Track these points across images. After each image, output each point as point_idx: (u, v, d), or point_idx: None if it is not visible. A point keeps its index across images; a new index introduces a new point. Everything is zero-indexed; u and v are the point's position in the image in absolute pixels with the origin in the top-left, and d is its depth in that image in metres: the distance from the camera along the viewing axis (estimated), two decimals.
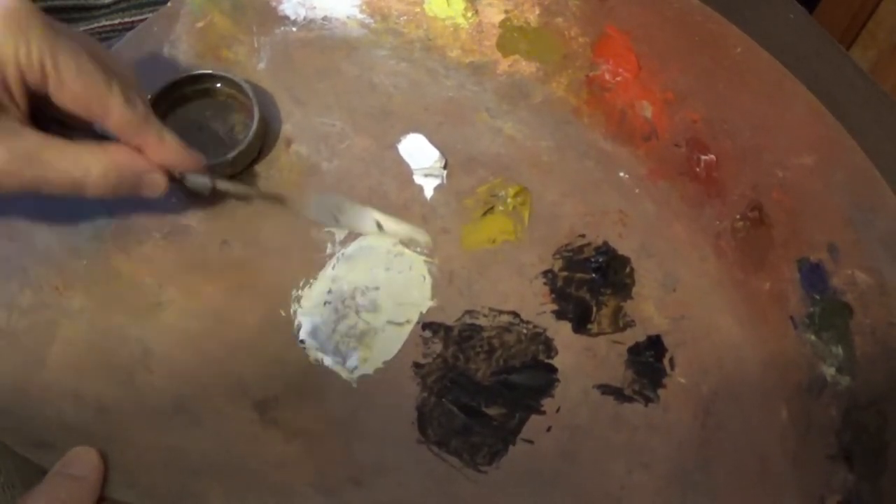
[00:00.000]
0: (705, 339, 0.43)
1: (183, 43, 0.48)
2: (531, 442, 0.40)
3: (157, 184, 0.38)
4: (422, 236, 0.42)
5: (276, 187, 0.45)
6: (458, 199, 0.46)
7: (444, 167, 0.47)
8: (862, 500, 0.37)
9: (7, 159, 0.33)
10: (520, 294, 0.44)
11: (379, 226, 0.41)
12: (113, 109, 0.35)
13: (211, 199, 0.44)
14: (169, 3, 0.49)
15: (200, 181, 0.40)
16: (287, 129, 0.48)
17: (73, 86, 0.34)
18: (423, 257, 0.44)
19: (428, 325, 0.42)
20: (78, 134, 0.36)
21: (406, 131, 0.48)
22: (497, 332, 0.42)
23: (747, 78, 0.45)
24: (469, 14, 0.51)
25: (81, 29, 0.56)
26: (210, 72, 0.46)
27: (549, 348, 0.42)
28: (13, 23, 0.32)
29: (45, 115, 0.36)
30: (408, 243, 0.41)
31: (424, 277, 0.44)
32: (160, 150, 0.37)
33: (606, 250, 0.46)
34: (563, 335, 0.43)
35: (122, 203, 0.43)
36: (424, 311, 0.43)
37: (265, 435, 0.38)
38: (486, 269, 0.44)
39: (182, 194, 0.44)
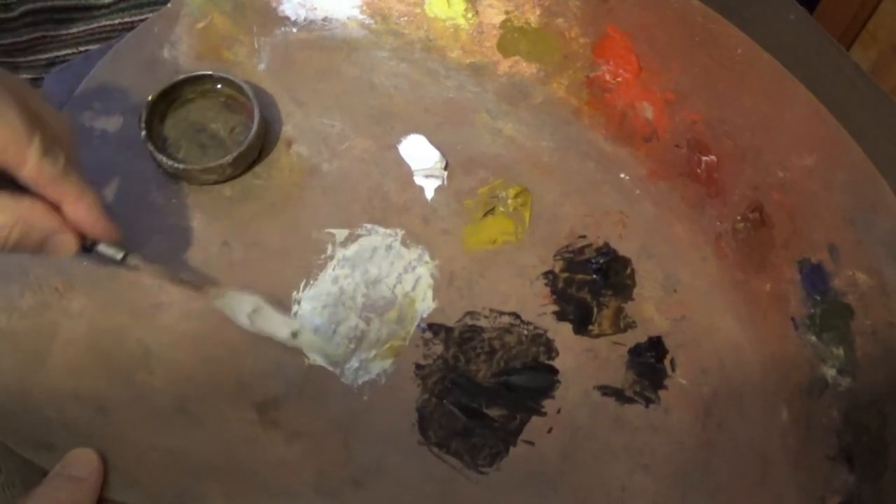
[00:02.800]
0: (706, 340, 0.43)
1: (183, 43, 0.48)
2: (532, 443, 0.40)
3: (65, 245, 0.35)
4: (340, 352, 0.41)
5: (277, 188, 0.45)
6: (459, 200, 0.46)
7: (445, 168, 0.47)
8: (862, 501, 0.37)
9: None
10: (520, 295, 0.44)
11: (294, 335, 0.40)
12: (29, 160, 0.33)
13: (209, 202, 0.43)
14: (169, 4, 0.49)
15: (111, 253, 0.37)
16: (287, 129, 0.48)
17: None
18: (424, 258, 0.44)
19: (429, 327, 0.42)
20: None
21: (406, 132, 0.48)
22: (498, 334, 0.42)
23: (747, 78, 0.45)
24: (469, 15, 0.51)
25: (81, 29, 0.56)
26: (210, 73, 0.46)
27: (550, 349, 0.42)
28: None
29: None
30: (327, 361, 0.40)
31: (425, 278, 0.44)
32: (76, 209, 0.35)
33: (607, 251, 0.45)
34: (563, 336, 0.43)
35: (122, 204, 0.43)
36: (425, 313, 0.43)
37: (265, 436, 0.38)
38: (486, 271, 0.44)
39: (182, 195, 0.44)
